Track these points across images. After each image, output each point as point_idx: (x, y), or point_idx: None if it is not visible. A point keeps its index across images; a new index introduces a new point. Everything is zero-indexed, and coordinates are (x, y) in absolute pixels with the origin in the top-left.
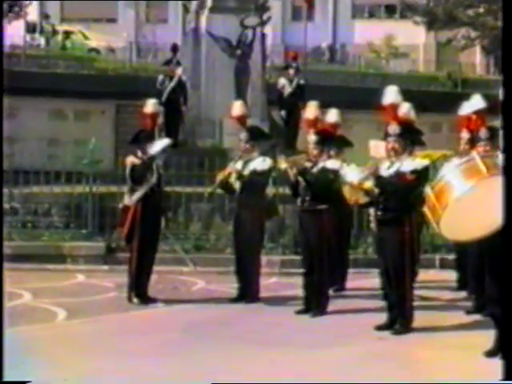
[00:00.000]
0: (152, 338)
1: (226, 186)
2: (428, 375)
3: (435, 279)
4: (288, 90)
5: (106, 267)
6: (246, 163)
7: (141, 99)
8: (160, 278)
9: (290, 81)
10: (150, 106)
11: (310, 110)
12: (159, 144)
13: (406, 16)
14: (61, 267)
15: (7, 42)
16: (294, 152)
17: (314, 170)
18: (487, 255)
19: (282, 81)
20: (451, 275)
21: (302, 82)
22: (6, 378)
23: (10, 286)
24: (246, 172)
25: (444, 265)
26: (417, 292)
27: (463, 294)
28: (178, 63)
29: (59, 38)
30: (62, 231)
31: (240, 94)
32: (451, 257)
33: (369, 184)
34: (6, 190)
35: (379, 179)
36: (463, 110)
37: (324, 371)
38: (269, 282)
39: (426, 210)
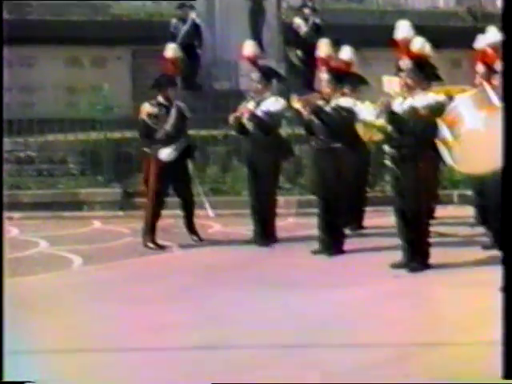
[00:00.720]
0: (166, 282)
1: (238, 127)
2: (441, 314)
3: (453, 215)
4: (304, 29)
5: (122, 213)
6: (258, 103)
7: (157, 44)
8: (176, 222)
9: (306, 20)
10: (171, 50)
11: (322, 48)
12: None
13: None
14: (77, 214)
15: None
16: (312, 92)
17: (327, 108)
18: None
19: (298, 20)
20: (470, 211)
21: (317, 20)
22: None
23: (26, 234)
24: (259, 112)
25: (463, 201)
26: (434, 228)
27: (481, 229)
28: (192, 6)
29: None
30: (79, 178)
31: (255, 34)
32: (470, 192)
33: (382, 121)
34: (21, 139)
35: (392, 115)
36: (478, 44)
37: (338, 311)
38: (286, 223)
39: (438, 142)
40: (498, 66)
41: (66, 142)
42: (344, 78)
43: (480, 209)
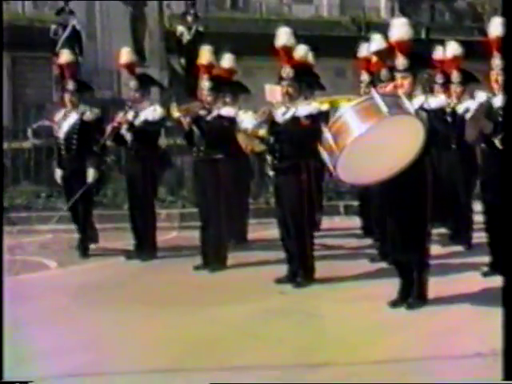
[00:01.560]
0: (37, 304)
1: (116, 137)
2: (326, 332)
3: (340, 227)
4: (187, 37)
5: None
6: (136, 113)
7: (37, 51)
8: (55, 238)
9: (189, 28)
10: (65, 55)
11: (204, 55)
12: None
13: None
14: None
15: None
16: (194, 100)
17: (209, 117)
18: (388, 200)
19: (181, 28)
20: (356, 222)
21: (200, 28)
22: None
23: None
24: (137, 122)
25: (349, 211)
26: (320, 241)
27: (369, 241)
28: (71, 12)
29: None
30: None
31: (137, 42)
32: (356, 203)
33: (263, 131)
34: None
35: (274, 125)
36: (362, 52)
37: (221, 330)
38: (168, 238)
39: (323, 152)
40: (384, 74)
41: None
42: (225, 86)
43: (366, 219)
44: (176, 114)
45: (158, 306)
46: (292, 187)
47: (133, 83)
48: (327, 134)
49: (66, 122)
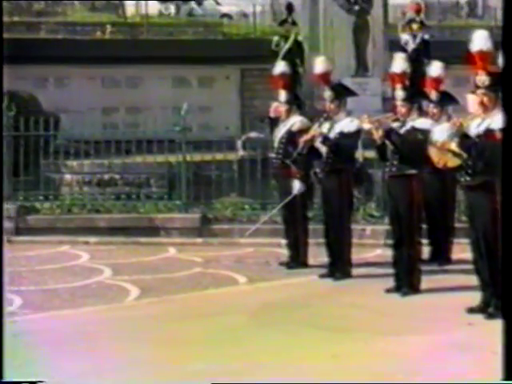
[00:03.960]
0: (214, 321)
1: (311, 150)
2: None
3: None
4: (411, 46)
5: (200, 240)
6: (332, 125)
7: (265, 63)
8: (255, 252)
9: (414, 36)
10: (278, 66)
11: (397, 63)
12: None
13: None
14: (154, 240)
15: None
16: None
17: (402, 130)
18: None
19: (405, 36)
20: None
21: (426, 37)
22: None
23: (95, 261)
24: (332, 134)
25: None
26: None
27: None
28: (294, 23)
29: (190, 5)
30: (158, 202)
31: (360, 51)
32: None
33: (453, 144)
34: (105, 161)
35: (465, 139)
36: None
37: (388, 364)
38: (371, 255)
39: None
40: None
41: (147, 164)
42: (419, 96)
43: None
44: (367, 125)
45: (332, 330)
46: (485, 206)
47: (328, 94)
48: None
49: (279, 133)
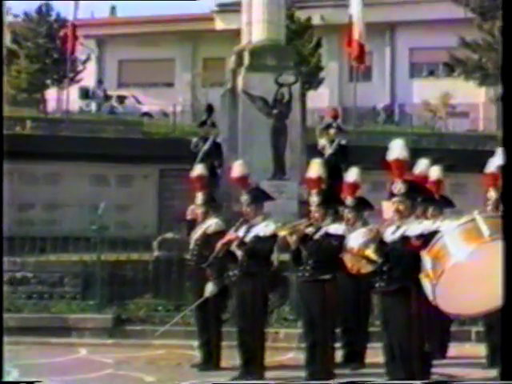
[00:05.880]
0: None
1: (227, 254)
2: None
3: (469, 354)
4: (328, 151)
5: (112, 341)
6: (248, 229)
7: (184, 163)
8: (167, 353)
9: (331, 141)
10: (196, 169)
11: (313, 168)
12: None
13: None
14: (65, 341)
15: (62, 106)
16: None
17: (316, 236)
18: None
19: (323, 141)
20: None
21: (343, 142)
22: None
23: (5, 362)
24: (248, 238)
25: (481, 338)
26: (445, 370)
27: (494, 372)
28: (213, 124)
29: (111, 103)
30: (71, 302)
31: (277, 155)
32: None
33: (370, 251)
34: (18, 259)
35: (382, 245)
36: (489, 167)
37: None
38: (285, 358)
39: (422, 279)
40: None
41: (61, 263)
42: (335, 201)
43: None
44: (282, 232)
45: None
46: (400, 312)
47: (244, 197)
48: (425, 258)
49: (195, 235)
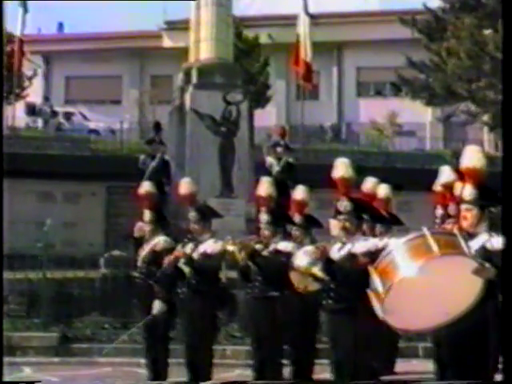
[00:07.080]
0: None
1: (174, 271)
2: None
3: (416, 370)
4: (276, 168)
5: (57, 359)
6: (196, 245)
7: (131, 180)
8: (113, 371)
9: (279, 159)
10: (143, 186)
11: (263, 187)
12: None
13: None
14: (9, 360)
15: (8, 122)
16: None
17: (265, 252)
18: (448, 347)
19: (270, 159)
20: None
21: (290, 160)
22: None
23: None
24: (196, 255)
25: (428, 354)
26: None
27: None
28: (161, 142)
29: (58, 119)
30: (16, 320)
31: (225, 172)
32: None
33: (317, 269)
34: None
35: (328, 263)
36: (437, 185)
37: None
38: (232, 375)
39: (371, 295)
40: (452, 209)
41: (6, 281)
42: (284, 219)
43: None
44: (230, 247)
45: None
46: (347, 330)
47: (192, 214)
48: (373, 274)
49: (143, 252)
